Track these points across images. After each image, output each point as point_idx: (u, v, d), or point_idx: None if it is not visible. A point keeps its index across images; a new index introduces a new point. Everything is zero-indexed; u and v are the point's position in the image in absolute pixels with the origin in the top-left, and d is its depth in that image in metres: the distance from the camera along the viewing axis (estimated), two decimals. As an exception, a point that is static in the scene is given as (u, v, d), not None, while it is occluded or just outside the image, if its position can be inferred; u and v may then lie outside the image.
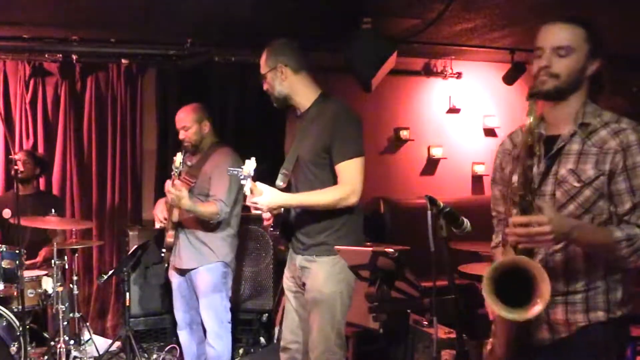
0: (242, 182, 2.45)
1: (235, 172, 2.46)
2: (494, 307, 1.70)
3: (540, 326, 1.91)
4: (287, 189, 2.74)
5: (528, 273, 1.69)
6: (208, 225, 3.67)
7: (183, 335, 3.98)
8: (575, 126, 1.86)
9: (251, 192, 2.49)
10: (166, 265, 3.92)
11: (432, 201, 1.69)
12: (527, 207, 1.77)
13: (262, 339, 4.84)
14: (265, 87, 2.83)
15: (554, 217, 1.70)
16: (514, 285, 1.69)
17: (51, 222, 4.14)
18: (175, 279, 3.87)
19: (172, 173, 3.46)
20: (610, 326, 1.87)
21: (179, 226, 3.73)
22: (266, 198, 2.53)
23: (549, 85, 1.83)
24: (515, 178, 1.85)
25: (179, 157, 3.43)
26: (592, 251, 1.82)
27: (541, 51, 1.85)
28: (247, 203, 2.56)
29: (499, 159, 2.12)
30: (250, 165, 2.43)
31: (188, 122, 3.76)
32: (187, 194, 3.46)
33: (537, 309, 1.66)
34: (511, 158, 2.03)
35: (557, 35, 1.84)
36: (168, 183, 3.58)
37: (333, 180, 2.66)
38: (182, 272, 3.81)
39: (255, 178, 2.52)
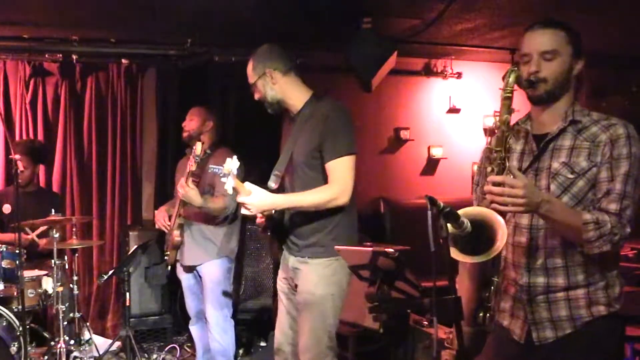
0: (222, 179, 2.43)
1: (217, 170, 2.46)
2: (456, 257, 1.77)
3: (543, 324, 1.94)
4: (281, 190, 2.73)
5: (484, 223, 1.77)
6: (213, 221, 3.77)
7: (195, 329, 4.05)
8: (565, 123, 1.93)
9: (236, 190, 2.46)
10: (169, 267, 3.99)
11: (432, 201, 1.68)
12: (502, 164, 1.86)
13: (261, 339, 4.84)
14: (256, 96, 2.81)
15: (528, 184, 1.75)
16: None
17: (51, 222, 4.13)
18: (183, 275, 3.96)
19: (190, 164, 3.53)
20: (610, 319, 1.92)
21: (184, 225, 3.81)
22: (255, 198, 2.51)
23: (540, 90, 1.91)
24: (492, 145, 1.92)
25: (199, 146, 3.47)
26: (559, 230, 1.86)
27: (528, 57, 1.93)
28: (237, 200, 2.55)
29: (484, 163, 2.15)
30: (232, 163, 2.40)
31: (194, 114, 3.97)
32: (197, 191, 3.56)
33: (497, 249, 1.75)
34: None
35: (541, 40, 1.92)
36: (182, 180, 3.64)
37: (327, 180, 2.64)
38: (190, 269, 3.90)
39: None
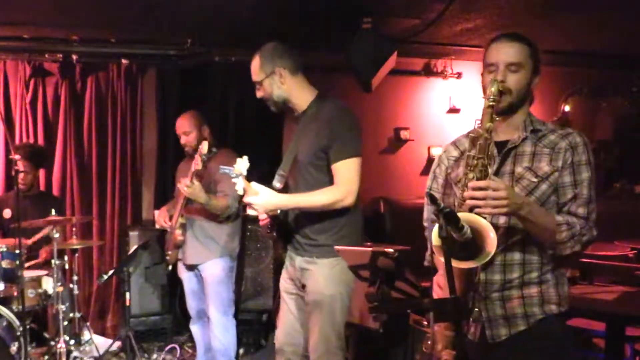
0: (234, 180, 2.43)
1: (227, 171, 2.45)
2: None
3: (497, 322, 1.99)
4: (285, 190, 2.72)
5: (474, 228, 1.77)
6: (215, 220, 3.77)
7: (196, 329, 4.05)
8: (526, 132, 2.02)
9: (245, 191, 2.47)
10: (170, 267, 4.00)
11: (433, 199, 1.69)
12: (484, 171, 1.89)
13: (262, 339, 4.84)
14: (259, 94, 2.76)
15: (510, 187, 1.85)
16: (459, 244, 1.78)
17: (51, 222, 4.13)
18: (184, 274, 3.96)
19: (196, 162, 3.50)
20: (561, 318, 2.02)
21: (186, 224, 3.81)
22: (262, 199, 2.51)
23: (504, 102, 1.96)
24: (472, 152, 1.93)
25: (205, 145, 3.46)
26: (535, 231, 1.92)
27: (494, 67, 1.99)
28: (244, 201, 2.55)
29: (444, 166, 2.18)
30: (242, 164, 2.41)
31: (188, 127, 3.89)
32: (202, 187, 3.56)
33: (489, 253, 1.75)
34: (459, 164, 2.10)
35: (508, 52, 1.98)
36: (185, 180, 3.62)
37: (332, 181, 2.64)
38: (191, 267, 3.90)
39: (255, 178, 2.51)
